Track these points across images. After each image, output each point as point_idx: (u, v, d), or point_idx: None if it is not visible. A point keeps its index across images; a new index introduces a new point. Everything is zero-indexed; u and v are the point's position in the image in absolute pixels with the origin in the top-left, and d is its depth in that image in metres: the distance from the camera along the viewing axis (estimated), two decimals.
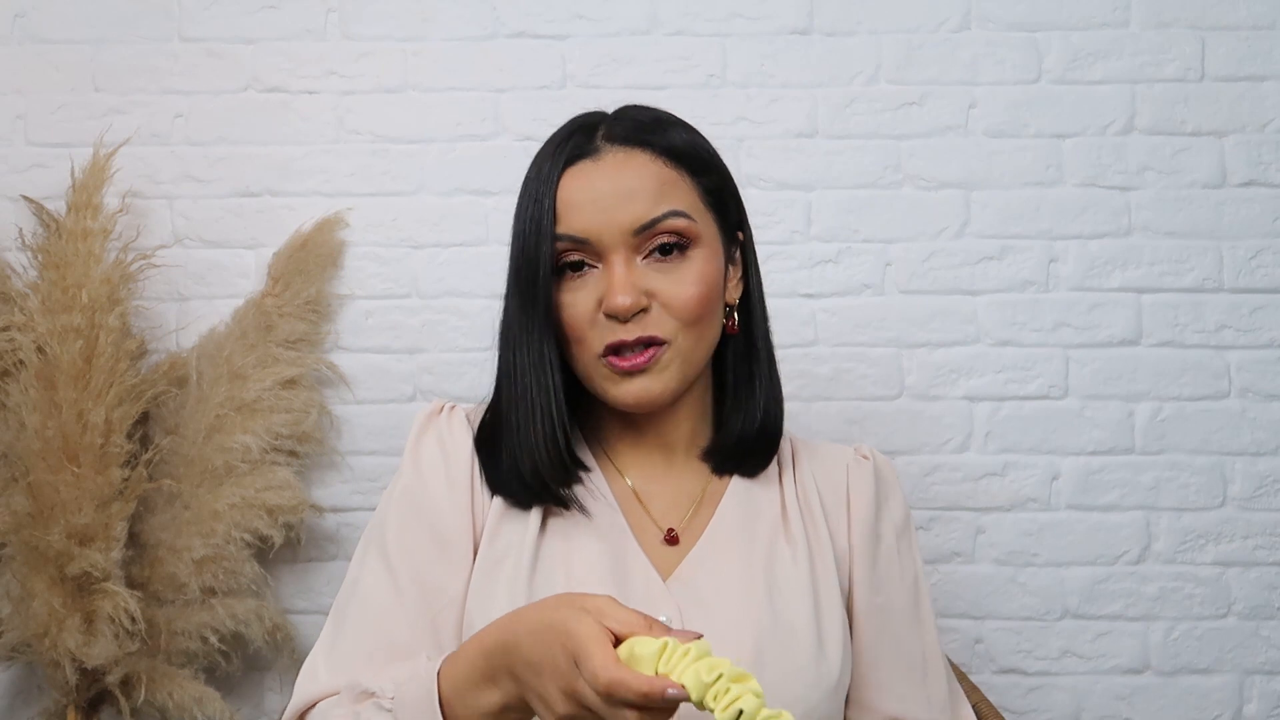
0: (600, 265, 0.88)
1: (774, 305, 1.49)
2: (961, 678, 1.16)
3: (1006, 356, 1.51)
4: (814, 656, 0.86)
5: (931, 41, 1.52)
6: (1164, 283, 1.51)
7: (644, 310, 0.87)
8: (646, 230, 0.87)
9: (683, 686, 0.64)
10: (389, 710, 0.77)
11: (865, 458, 1.00)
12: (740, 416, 0.96)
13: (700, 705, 0.64)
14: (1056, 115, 1.51)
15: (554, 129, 0.94)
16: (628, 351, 0.88)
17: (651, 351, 0.88)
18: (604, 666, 0.65)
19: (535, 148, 0.94)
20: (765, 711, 0.63)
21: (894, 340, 1.51)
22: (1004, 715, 1.15)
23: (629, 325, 0.87)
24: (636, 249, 0.88)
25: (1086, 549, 1.49)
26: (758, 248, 1.01)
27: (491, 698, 0.73)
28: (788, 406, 0.99)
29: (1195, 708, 1.48)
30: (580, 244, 0.88)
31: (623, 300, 0.86)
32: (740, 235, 0.97)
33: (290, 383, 1.44)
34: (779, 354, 0.99)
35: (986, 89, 1.52)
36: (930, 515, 1.50)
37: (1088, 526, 1.50)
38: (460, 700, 0.75)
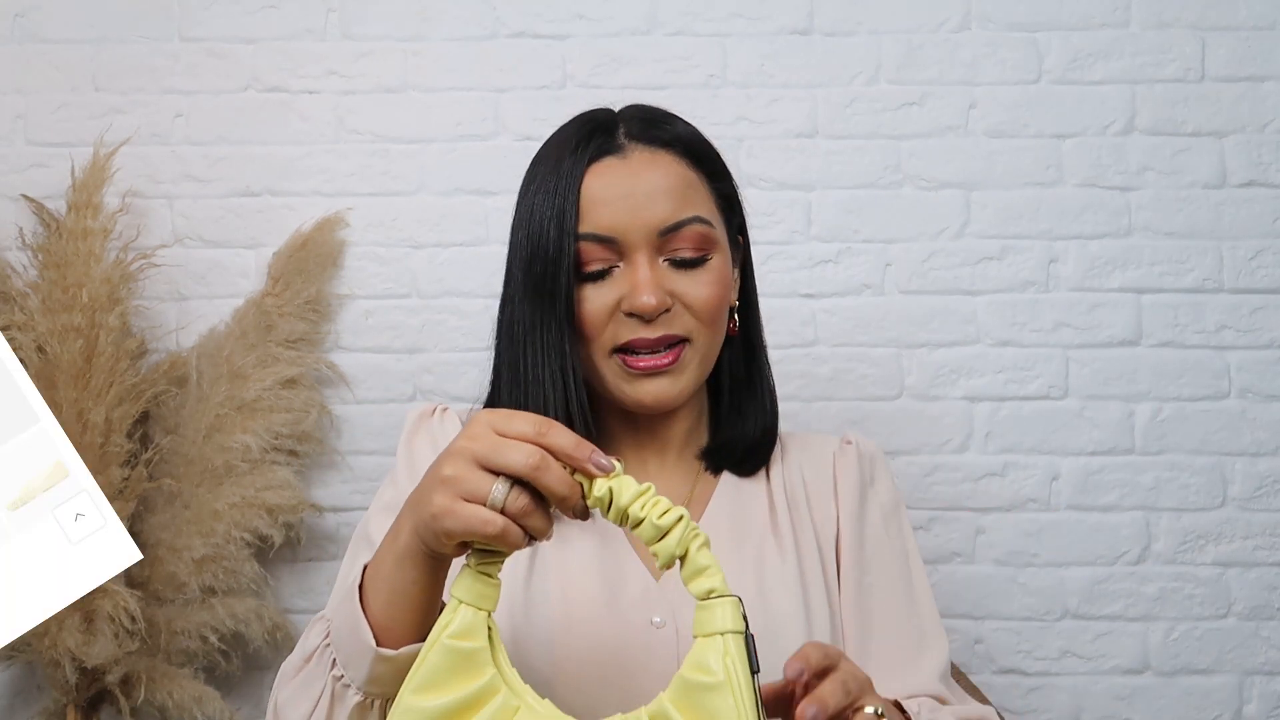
0: (621, 264, 0.88)
1: (774, 305, 1.51)
2: (961, 678, 1.16)
3: (1006, 356, 1.51)
4: None
5: (931, 41, 1.52)
6: (1164, 283, 1.51)
7: (666, 310, 0.87)
8: (672, 232, 0.87)
9: (619, 466, 0.63)
10: (327, 619, 0.76)
11: (849, 443, 1.00)
12: (742, 417, 0.96)
13: (622, 514, 0.62)
14: (1056, 115, 1.51)
15: (554, 129, 0.94)
16: (647, 352, 0.88)
17: (677, 351, 0.88)
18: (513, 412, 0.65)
19: (535, 148, 0.94)
20: (696, 533, 0.62)
21: (894, 340, 1.51)
22: (1004, 715, 1.15)
23: (652, 324, 0.87)
24: (659, 249, 0.87)
25: (1086, 549, 1.49)
26: (758, 248, 1.01)
27: (405, 575, 0.69)
28: (788, 406, 0.99)
29: (1195, 708, 1.48)
30: (604, 241, 0.86)
31: (648, 300, 0.85)
32: (741, 239, 0.97)
33: (290, 382, 1.44)
34: (779, 354, 0.99)
35: (986, 89, 1.52)
36: (930, 515, 1.50)
37: (1088, 527, 1.50)
38: (377, 596, 0.71)
